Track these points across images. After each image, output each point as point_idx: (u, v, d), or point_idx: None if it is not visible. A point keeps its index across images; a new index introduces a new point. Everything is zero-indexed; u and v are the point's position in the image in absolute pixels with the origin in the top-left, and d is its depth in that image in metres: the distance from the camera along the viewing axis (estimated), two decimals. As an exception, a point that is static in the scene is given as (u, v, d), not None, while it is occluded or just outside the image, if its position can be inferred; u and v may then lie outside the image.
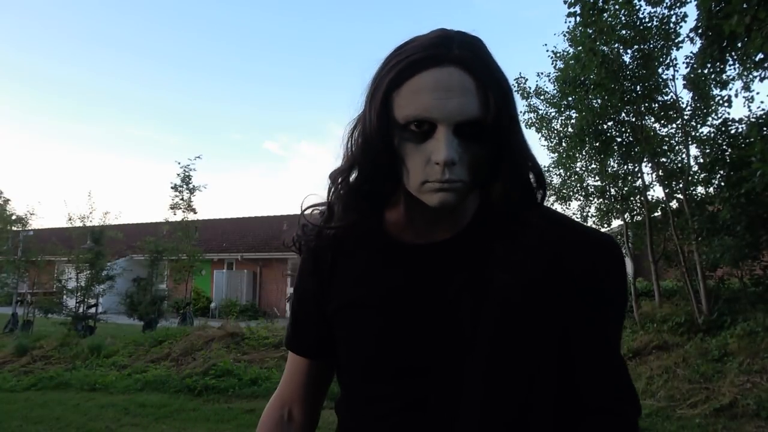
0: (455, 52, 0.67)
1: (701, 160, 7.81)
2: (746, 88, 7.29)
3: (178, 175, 13.40)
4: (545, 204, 0.80)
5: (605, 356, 0.75)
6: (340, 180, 0.78)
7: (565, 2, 6.29)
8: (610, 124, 8.49)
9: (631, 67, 7.83)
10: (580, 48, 7.59)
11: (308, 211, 0.84)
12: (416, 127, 0.68)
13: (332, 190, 0.80)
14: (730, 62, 6.86)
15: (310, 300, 0.85)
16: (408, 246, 0.78)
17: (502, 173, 0.71)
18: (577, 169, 9.50)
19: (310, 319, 0.86)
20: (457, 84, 0.66)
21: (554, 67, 8.89)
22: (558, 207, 9.95)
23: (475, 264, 0.74)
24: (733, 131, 7.22)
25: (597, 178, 9.31)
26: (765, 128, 6.30)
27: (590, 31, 7.04)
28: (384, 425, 0.76)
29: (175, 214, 13.47)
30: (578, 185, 9.57)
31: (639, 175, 8.74)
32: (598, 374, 0.74)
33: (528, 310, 0.72)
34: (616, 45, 7.68)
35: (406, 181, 0.72)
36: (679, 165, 8.36)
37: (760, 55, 5.84)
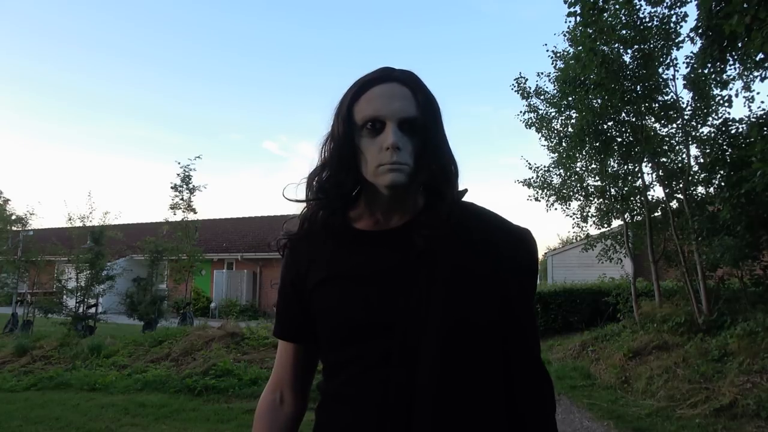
0: (396, 74, 0.94)
1: (701, 160, 7.80)
2: (746, 88, 7.29)
3: (178, 175, 13.39)
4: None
5: (532, 318, 0.98)
6: (314, 179, 0.99)
7: (565, 2, 6.27)
8: (610, 124, 8.48)
9: (631, 66, 7.82)
10: (580, 48, 7.57)
11: (290, 221, 1.05)
12: (371, 125, 0.90)
13: (308, 188, 1.00)
14: (731, 62, 6.86)
15: (290, 289, 1.01)
16: (370, 233, 0.98)
17: (426, 158, 0.91)
18: (577, 169, 9.48)
19: (292, 307, 1.02)
20: (399, 93, 0.91)
21: (554, 66, 8.88)
22: (558, 207, 9.96)
23: (425, 243, 0.91)
24: (733, 131, 7.21)
25: (597, 178, 9.29)
26: (765, 128, 6.29)
27: (590, 31, 7.02)
28: (353, 385, 0.91)
29: (175, 214, 13.46)
30: (578, 185, 9.56)
31: (639, 175, 8.73)
32: (528, 332, 0.96)
33: (470, 276, 0.90)
34: (617, 45, 7.68)
35: (365, 171, 0.92)
36: (680, 165, 8.35)
37: (761, 55, 5.83)
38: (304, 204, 1.01)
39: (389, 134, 0.88)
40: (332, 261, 0.97)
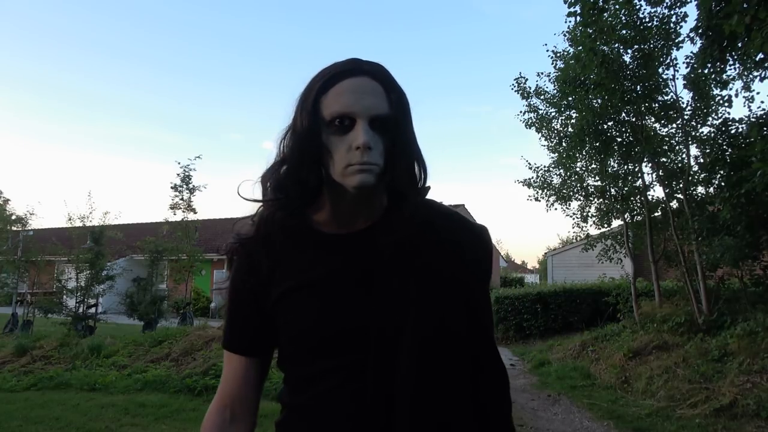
0: (366, 67, 0.87)
1: (701, 160, 7.80)
2: (746, 87, 7.28)
3: (178, 175, 13.37)
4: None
5: (491, 317, 0.99)
6: (272, 176, 0.91)
7: (565, 2, 6.27)
8: (610, 124, 8.48)
9: (631, 66, 7.82)
10: (581, 48, 7.57)
11: (240, 222, 0.97)
12: (339, 122, 0.84)
13: (264, 186, 0.93)
14: (731, 62, 6.86)
15: (247, 299, 0.93)
16: (335, 236, 0.92)
17: (395, 158, 0.87)
18: (577, 169, 9.48)
19: (248, 318, 0.94)
20: (370, 88, 0.85)
21: (554, 66, 8.88)
22: (558, 207, 9.96)
23: (393, 245, 0.88)
24: (733, 131, 7.21)
25: (597, 178, 9.29)
26: (765, 128, 6.30)
27: (590, 31, 7.02)
28: (325, 399, 0.86)
29: (175, 214, 13.44)
30: (578, 185, 9.56)
31: (639, 175, 8.73)
32: (489, 332, 0.97)
33: (440, 279, 0.89)
34: (617, 45, 7.68)
35: (331, 170, 0.86)
36: (679, 165, 8.35)
37: (761, 55, 5.83)
38: (258, 204, 0.94)
39: (360, 133, 0.82)
40: (297, 268, 0.90)
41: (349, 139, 0.83)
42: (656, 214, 8.69)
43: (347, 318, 0.86)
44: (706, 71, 7.30)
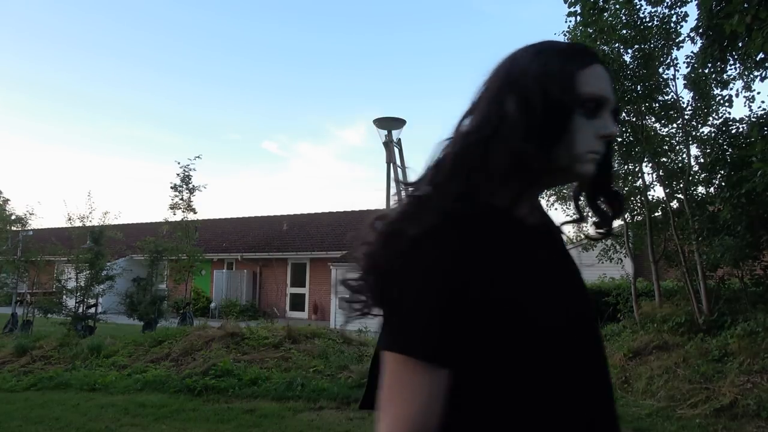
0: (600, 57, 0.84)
1: (702, 160, 7.80)
2: (747, 87, 7.30)
3: (178, 175, 13.42)
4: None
5: None
6: (510, 143, 0.75)
7: (565, 2, 6.28)
8: (610, 123, 8.47)
9: (631, 66, 7.82)
10: (581, 48, 7.57)
11: (430, 195, 0.76)
12: (594, 104, 0.78)
13: (484, 157, 0.76)
14: (731, 62, 6.87)
15: (459, 294, 0.69)
16: (533, 226, 0.83)
17: (609, 153, 0.84)
18: (578, 169, 9.47)
19: (461, 317, 0.70)
20: (610, 79, 0.82)
21: (554, 66, 8.87)
22: (558, 207, 9.97)
23: (561, 242, 0.89)
24: (733, 131, 7.22)
25: (597, 178, 9.28)
26: (766, 128, 6.30)
27: (590, 31, 7.02)
28: (558, 421, 0.72)
29: (175, 214, 13.49)
30: (578, 185, 9.54)
31: (639, 175, 8.72)
32: None
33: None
34: (617, 45, 7.68)
35: (565, 151, 0.77)
36: (680, 165, 8.35)
37: (761, 55, 5.83)
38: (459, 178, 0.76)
39: (610, 122, 0.79)
40: (521, 262, 0.75)
41: (597, 125, 0.78)
42: (656, 214, 8.69)
43: (582, 326, 0.78)
44: (706, 71, 7.30)
